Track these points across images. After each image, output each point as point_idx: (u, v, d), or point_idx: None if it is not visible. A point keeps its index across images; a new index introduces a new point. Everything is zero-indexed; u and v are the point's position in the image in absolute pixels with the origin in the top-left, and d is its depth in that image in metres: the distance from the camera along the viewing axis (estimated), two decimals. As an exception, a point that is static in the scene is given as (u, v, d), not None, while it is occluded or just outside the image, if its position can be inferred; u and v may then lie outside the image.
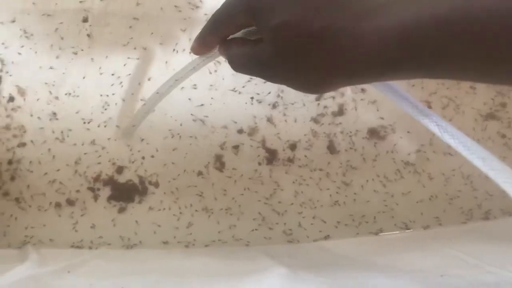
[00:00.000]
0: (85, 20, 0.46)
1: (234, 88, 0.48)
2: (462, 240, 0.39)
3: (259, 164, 0.48)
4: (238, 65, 0.29)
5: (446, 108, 0.50)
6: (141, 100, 0.46)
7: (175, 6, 0.47)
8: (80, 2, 0.46)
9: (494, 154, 0.24)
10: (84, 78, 0.46)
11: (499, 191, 0.45)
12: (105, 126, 0.46)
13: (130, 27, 0.47)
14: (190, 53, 0.34)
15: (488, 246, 0.37)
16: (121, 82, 0.46)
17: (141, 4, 0.47)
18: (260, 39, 0.26)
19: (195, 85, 0.47)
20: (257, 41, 0.27)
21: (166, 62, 0.47)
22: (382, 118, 0.49)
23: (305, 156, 0.48)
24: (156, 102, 0.40)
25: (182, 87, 0.47)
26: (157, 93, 0.38)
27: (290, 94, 0.48)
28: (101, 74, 0.46)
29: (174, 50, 0.47)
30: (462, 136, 0.25)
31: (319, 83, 0.25)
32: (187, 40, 0.47)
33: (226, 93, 0.48)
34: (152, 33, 0.47)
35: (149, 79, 0.47)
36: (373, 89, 0.49)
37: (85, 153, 0.46)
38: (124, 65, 0.47)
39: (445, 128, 0.25)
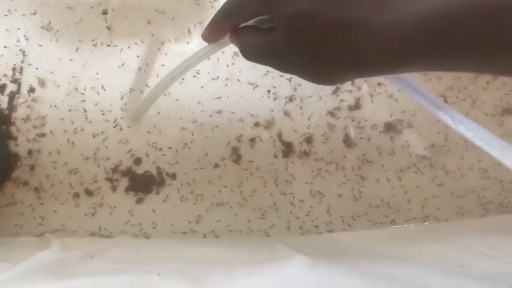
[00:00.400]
0: (104, 12, 0.47)
1: (251, 81, 0.48)
2: (481, 232, 0.39)
3: (275, 157, 0.48)
4: (250, 54, 0.29)
5: (462, 103, 0.50)
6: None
7: (194, -1, 0.48)
8: (100, -6, 0.47)
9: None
10: (103, 70, 0.47)
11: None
12: (122, 118, 0.47)
13: (149, 20, 0.47)
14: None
15: (507, 238, 0.37)
16: (139, 74, 0.47)
17: (160, -3, 0.47)
18: (272, 28, 0.26)
19: (212, 78, 0.48)
20: (270, 30, 0.27)
21: (182, 54, 0.47)
22: (399, 112, 0.49)
23: (321, 149, 0.48)
24: (164, 88, 0.40)
25: (197, 77, 0.47)
26: (171, 78, 0.38)
27: (307, 87, 0.49)
28: (119, 66, 0.47)
29: (188, 43, 0.48)
30: (477, 127, 0.25)
31: (331, 74, 0.25)
32: (205, 33, 0.48)
33: (243, 86, 0.48)
34: (169, 26, 0.47)
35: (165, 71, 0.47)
36: (390, 83, 0.49)
37: (103, 144, 0.46)
38: (140, 57, 0.47)
39: (460, 119, 0.25)
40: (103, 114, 0.46)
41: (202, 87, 0.47)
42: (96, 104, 0.46)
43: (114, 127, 0.46)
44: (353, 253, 0.38)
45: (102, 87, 0.46)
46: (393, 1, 0.21)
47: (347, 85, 0.49)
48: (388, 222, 0.46)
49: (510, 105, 0.50)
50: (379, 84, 0.49)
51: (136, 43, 0.47)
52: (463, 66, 0.21)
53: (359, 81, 0.49)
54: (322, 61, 0.24)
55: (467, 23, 0.19)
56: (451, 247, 0.37)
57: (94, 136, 0.46)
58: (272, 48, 0.26)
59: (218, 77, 0.48)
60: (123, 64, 0.47)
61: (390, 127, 0.49)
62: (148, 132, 0.47)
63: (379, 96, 0.49)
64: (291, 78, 0.48)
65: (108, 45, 0.47)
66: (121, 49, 0.47)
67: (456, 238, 0.39)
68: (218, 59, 0.47)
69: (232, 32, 0.30)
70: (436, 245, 0.38)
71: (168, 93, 0.47)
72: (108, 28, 0.47)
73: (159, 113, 0.47)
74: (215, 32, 0.31)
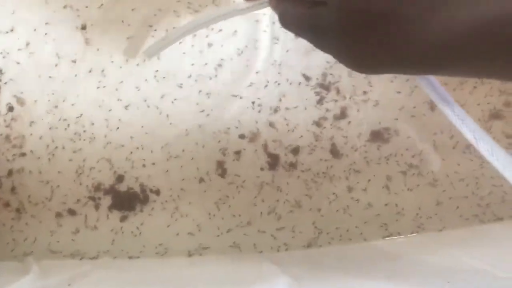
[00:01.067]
0: (83, 27, 0.46)
1: (235, 93, 0.47)
2: (470, 243, 0.38)
3: (262, 169, 0.47)
4: (290, 24, 0.28)
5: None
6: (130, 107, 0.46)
7: (174, 11, 0.47)
8: (77, 10, 0.46)
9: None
10: (83, 86, 0.46)
11: (509, 194, 0.45)
12: (105, 136, 0.46)
13: (131, 33, 0.46)
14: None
15: (496, 249, 0.36)
16: (118, 90, 0.46)
17: (136, 10, 0.46)
18: (319, 2, 0.25)
19: (196, 90, 0.47)
20: (315, 3, 0.25)
21: (168, 71, 0.47)
22: (386, 121, 0.48)
23: (308, 160, 0.48)
24: (186, 33, 0.37)
25: (179, 91, 0.46)
26: (198, 24, 0.35)
27: (292, 97, 0.48)
28: (99, 82, 0.46)
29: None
30: (494, 145, 0.24)
31: (372, 64, 0.24)
32: (189, 45, 0.47)
33: (227, 99, 0.47)
34: (152, 40, 0.46)
35: (146, 85, 0.46)
36: (375, 91, 0.48)
37: (85, 163, 0.45)
38: (121, 69, 0.46)
39: (481, 136, 0.24)
40: (84, 131, 0.45)
41: (184, 100, 0.47)
42: (76, 122, 0.45)
43: (95, 145, 0.45)
44: (340, 268, 0.37)
45: (82, 104, 0.46)
46: (451, 1, 0.21)
47: (332, 95, 0.48)
48: (377, 234, 0.45)
49: (498, 109, 0.49)
50: (365, 92, 0.49)
51: (116, 60, 0.46)
52: None
53: (344, 89, 0.48)
54: (366, 48, 0.23)
55: None
56: (440, 259, 0.37)
57: (75, 154, 0.45)
58: (316, 24, 0.25)
59: (201, 90, 0.47)
60: (103, 81, 0.46)
61: (377, 136, 0.48)
62: (131, 147, 0.46)
63: (365, 105, 0.48)
64: (275, 89, 0.47)
65: (87, 61, 0.46)
66: (101, 65, 0.46)
67: (445, 250, 0.38)
68: (194, 62, 0.47)
69: None
70: (425, 258, 0.37)
71: (157, 108, 0.46)
72: (86, 43, 0.46)
73: (142, 127, 0.46)
74: None
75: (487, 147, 0.23)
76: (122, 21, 0.46)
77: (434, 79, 0.27)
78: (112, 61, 0.46)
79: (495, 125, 0.49)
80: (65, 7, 0.46)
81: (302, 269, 0.36)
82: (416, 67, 0.23)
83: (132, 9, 0.46)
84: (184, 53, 0.47)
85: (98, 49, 0.46)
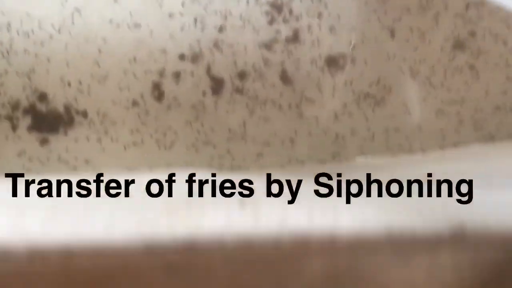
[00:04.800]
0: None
1: (175, 8, 0.42)
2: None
3: (204, 94, 0.43)
4: None
5: (411, 37, 0.45)
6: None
7: None
8: None
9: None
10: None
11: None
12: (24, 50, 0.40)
13: None
14: None
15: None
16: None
17: None
18: None
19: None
20: None
21: None
22: (341, 46, 0.44)
23: (256, 86, 0.43)
24: None
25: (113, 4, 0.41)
26: None
27: (239, 16, 0.43)
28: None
29: None
30: None
31: None
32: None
33: (166, 14, 0.42)
34: None
35: None
36: (332, 14, 0.44)
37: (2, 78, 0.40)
38: None
39: None
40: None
41: (120, 17, 0.42)
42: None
43: (13, 57, 0.40)
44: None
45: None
46: None
47: (284, 15, 0.44)
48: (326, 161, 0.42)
49: (462, 38, 0.45)
50: (320, 14, 0.44)
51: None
52: None
53: (297, 10, 0.44)
54: None
55: None
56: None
57: (-11, 67, 0.40)
58: None
59: (136, 2, 0.42)
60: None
61: (331, 62, 0.44)
62: (54, 62, 0.41)
63: (319, 28, 0.44)
64: (221, 4, 0.43)
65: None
66: None
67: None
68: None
69: None
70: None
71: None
72: None
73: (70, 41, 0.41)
74: None
75: None
76: None
77: None
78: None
79: (458, 55, 0.45)
80: None
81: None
82: None
83: None
84: None
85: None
